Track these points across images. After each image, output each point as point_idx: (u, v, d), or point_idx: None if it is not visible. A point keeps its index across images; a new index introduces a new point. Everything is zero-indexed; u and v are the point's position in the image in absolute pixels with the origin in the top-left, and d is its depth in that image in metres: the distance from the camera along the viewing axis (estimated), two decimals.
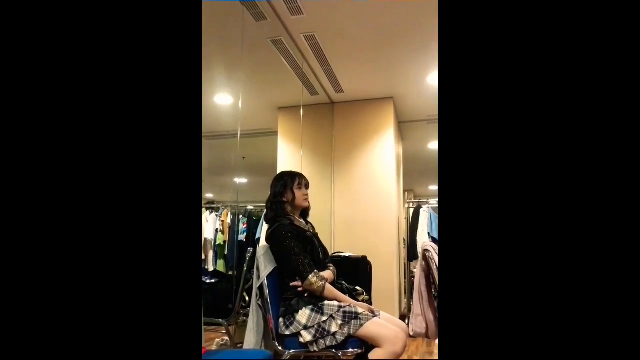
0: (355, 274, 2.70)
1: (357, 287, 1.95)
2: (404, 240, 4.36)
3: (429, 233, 4.10)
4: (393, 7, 2.35)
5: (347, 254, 2.87)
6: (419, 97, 3.63)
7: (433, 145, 5.19)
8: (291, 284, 1.58)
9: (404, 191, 5.47)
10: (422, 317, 1.60)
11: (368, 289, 2.66)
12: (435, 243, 3.93)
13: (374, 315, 1.52)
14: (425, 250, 1.53)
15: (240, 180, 3.98)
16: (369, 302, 1.95)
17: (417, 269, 1.65)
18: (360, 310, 1.51)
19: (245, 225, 3.81)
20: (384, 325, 1.48)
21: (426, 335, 1.65)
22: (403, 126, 4.35)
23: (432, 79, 3.24)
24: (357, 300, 1.69)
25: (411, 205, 4.36)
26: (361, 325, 1.46)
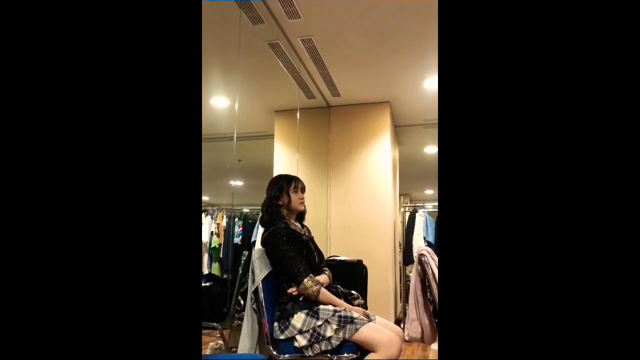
0: (350, 278, 2.69)
1: (353, 291, 1.94)
2: (400, 244, 4.36)
3: (424, 237, 4.11)
4: (391, 11, 2.36)
5: (342, 258, 2.86)
6: (416, 101, 3.64)
7: (429, 149, 5.20)
8: (288, 291, 1.57)
9: (400, 195, 5.48)
10: (418, 321, 1.59)
11: (363, 293, 2.65)
12: (431, 247, 3.94)
13: (369, 320, 1.51)
14: (421, 255, 1.53)
15: (236, 183, 3.97)
16: (365, 306, 1.95)
17: (413, 273, 1.64)
18: (355, 314, 1.51)
19: (241, 228, 3.80)
20: (379, 329, 1.47)
21: (421, 339, 1.65)
22: (399, 130, 4.36)
23: (428, 83, 3.26)
24: (353, 305, 1.68)
25: (407, 209, 4.36)
26: (356, 329, 1.45)
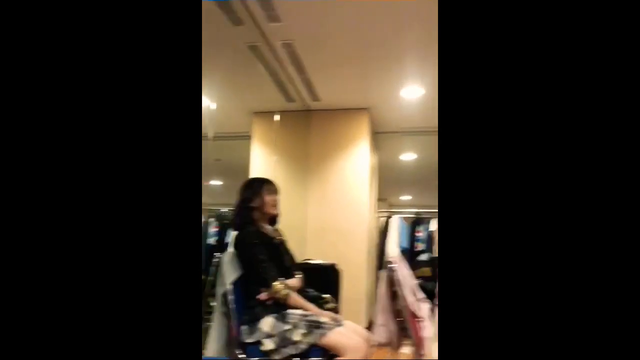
0: (323, 281, 2.70)
1: (325, 295, 1.95)
2: (375, 249, 4.40)
3: (399, 243, 4.16)
4: (371, 20, 2.39)
5: (316, 262, 2.87)
6: (394, 109, 3.69)
7: (405, 156, 5.29)
8: (257, 296, 1.57)
9: (379, 200, 5.53)
10: (385, 327, 1.62)
11: (336, 297, 2.67)
12: (405, 253, 3.99)
13: (338, 325, 1.52)
14: (389, 262, 1.56)
15: (214, 182, 3.93)
16: (336, 310, 1.96)
17: (382, 279, 1.67)
18: (323, 319, 1.52)
19: (217, 229, 3.75)
20: (346, 334, 1.49)
21: (389, 344, 1.67)
22: (379, 136, 4.41)
23: (405, 92, 3.31)
24: (324, 309, 1.69)
25: (383, 215, 4.41)
26: (324, 334, 1.46)
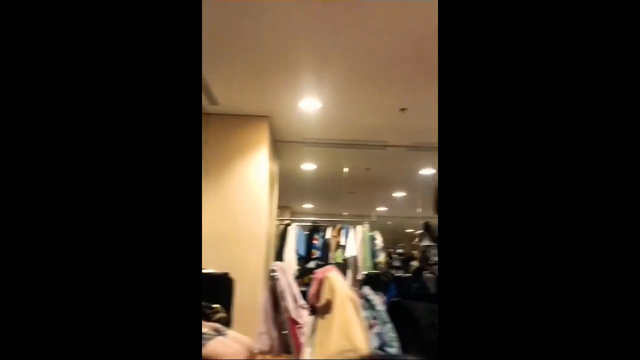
0: (216, 291, 2.64)
1: (214, 305, 1.92)
2: (273, 256, 4.43)
3: (296, 250, 4.26)
4: (270, 27, 2.42)
5: (208, 270, 2.79)
6: (293, 119, 3.78)
7: (305, 166, 5.43)
8: None
9: (282, 208, 5.58)
10: (267, 334, 1.65)
11: (228, 307, 2.62)
12: (301, 260, 4.07)
13: (219, 334, 1.51)
14: (272, 270, 1.59)
15: None
16: (227, 319, 1.93)
17: (265, 288, 1.70)
18: (204, 329, 1.49)
19: None
20: (225, 343, 1.48)
21: (271, 351, 1.70)
22: (280, 145, 4.47)
23: (304, 104, 3.42)
24: (211, 319, 1.66)
25: (282, 222, 4.47)
26: (202, 345, 1.44)
